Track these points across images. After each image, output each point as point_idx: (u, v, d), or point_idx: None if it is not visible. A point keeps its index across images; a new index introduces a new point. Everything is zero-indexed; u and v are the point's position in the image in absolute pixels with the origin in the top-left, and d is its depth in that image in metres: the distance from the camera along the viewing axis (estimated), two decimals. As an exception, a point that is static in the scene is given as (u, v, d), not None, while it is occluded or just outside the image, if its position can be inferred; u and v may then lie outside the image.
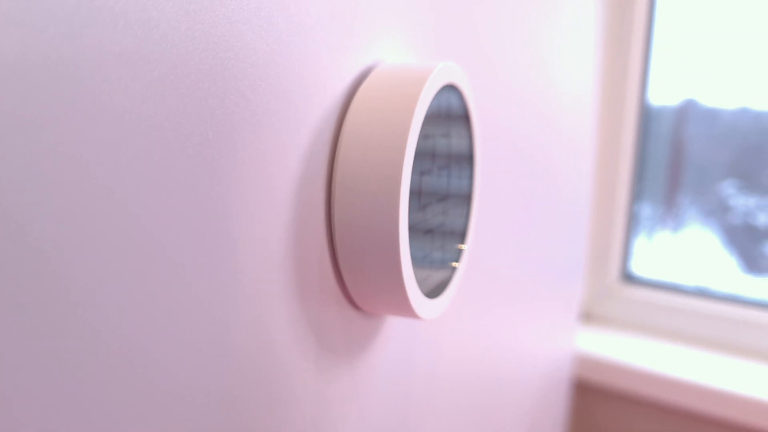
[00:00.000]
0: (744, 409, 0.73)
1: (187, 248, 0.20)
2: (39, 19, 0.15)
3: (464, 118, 0.32)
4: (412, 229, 0.28)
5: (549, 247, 0.63)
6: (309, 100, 0.25)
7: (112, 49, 0.17)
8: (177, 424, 0.21)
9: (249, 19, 0.21)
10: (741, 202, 0.87)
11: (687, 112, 0.90)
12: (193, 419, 0.21)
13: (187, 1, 0.19)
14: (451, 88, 0.30)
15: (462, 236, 0.34)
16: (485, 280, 0.46)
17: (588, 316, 0.94)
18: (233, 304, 0.22)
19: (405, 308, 0.28)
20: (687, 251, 0.91)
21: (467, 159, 0.34)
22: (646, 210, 0.94)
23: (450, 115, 0.30)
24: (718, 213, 0.89)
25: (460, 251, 0.34)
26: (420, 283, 0.29)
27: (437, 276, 0.31)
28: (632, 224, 0.92)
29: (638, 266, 0.93)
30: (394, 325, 0.34)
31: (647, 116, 0.90)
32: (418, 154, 0.27)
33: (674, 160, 0.91)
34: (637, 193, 0.92)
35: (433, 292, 0.31)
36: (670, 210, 0.92)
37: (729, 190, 0.88)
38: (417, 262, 0.28)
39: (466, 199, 0.34)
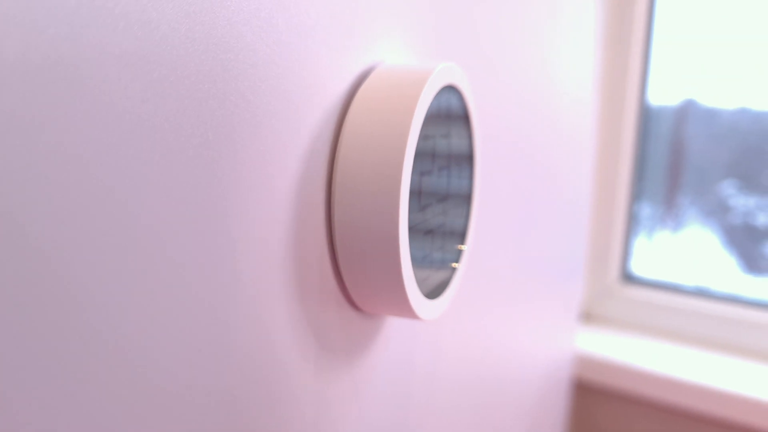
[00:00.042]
0: (744, 409, 0.73)
1: (187, 248, 0.20)
2: (39, 19, 0.15)
3: (464, 118, 0.32)
4: (412, 229, 0.28)
5: (549, 247, 0.63)
6: (309, 101, 0.25)
7: (112, 50, 0.17)
8: (177, 424, 0.21)
9: (249, 21, 0.21)
10: (741, 202, 0.87)
11: (687, 112, 0.90)
12: (193, 419, 0.21)
13: (187, 3, 0.19)
14: (451, 89, 0.30)
15: (462, 237, 0.34)
16: (485, 280, 0.46)
17: (588, 316, 0.94)
18: (233, 304, 0.22)
19: (405, 309, 0.28)
20: (687, 251, 0.91)
21: (467, 159, 0.34)
22: (645, 210, 0.94)
23: (450, 115, 0.31)
24: (717, 213, 0.89)
25: (460, 252, 0.34)
26: (420, 283, 0.29)
27: (437, 276, 0.31)
28: (632, 224, 0.92)
29: (638, 266, 0.93)
30: (394, 325, 0.34)
31: (647, 116, 0.90)
32: (418, 155, 0.27)
33: (674, 160, 0.91)
34: (636, 193, 0.92)
35: (433, 292, 0.31)
36: (669, 210, 0.92)
37: (729, 190, 0.88)
38: (417, 262, 0.28)
39: (466, 199, 0.34)
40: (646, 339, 0.88)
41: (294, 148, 0.25)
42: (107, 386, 0.18)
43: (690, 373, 0.78)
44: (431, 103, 0.28)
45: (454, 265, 0.33)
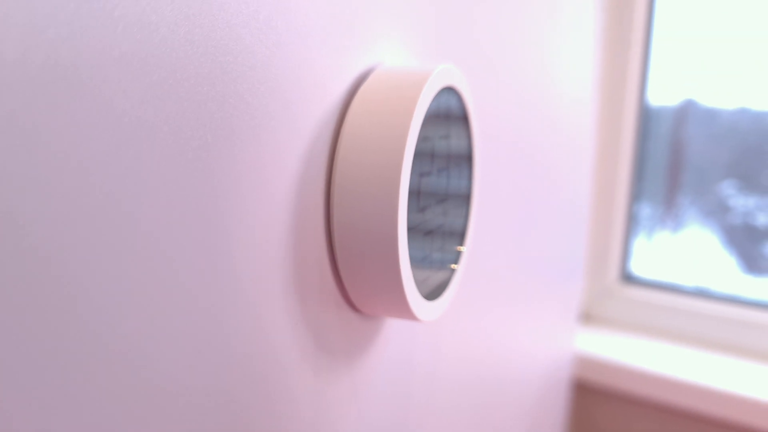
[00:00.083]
0: (744, 409, 0.73)
1: (186, 250, 0.20)
2: (38, 21, 0.15)
3: (463, 120, 0.32)
4: (412, 230, 0.28)
5: (548, 248, 0.63)
6: (308, 103, 0.25)
7: (111, 53, 0.17)
8: (176, 425, 0.21)
9: (248, 23, 0.21)
10: (740, 202, 0.87)
11: (686, 112, 0.90)
12: (192, 420, 0.21)
13: (186, 5, 0.19)
14: (450, 90, 0.30)
15: (461, 237, 0.34)
16: (485, 280, 0.46)
17: (587, 317, 0.94)
18: (232, 306, 0.22)
19: (404, 310, 0.28)
20: (686, 251, 0.91)
21: (466, 160, 0.34)
22: (645, 210, 0.94)
23: (449, 117, 0.31)
24: (717, 213, 0.89)
25: (459, 253, 0.34)
26: (419, 284, 0.29)
27: (437, 277, 0.31)
28: (632, 224, 0.92)
29: (638, 266, 0.93)
30: (393, 326, 0.34)
31: (647, 116, 0.90)
32: (417, 156, 0.27)
33: (674, 161, 0.91)
34: (636, 194, 0.92)
35: (433, 293, 0.31)
36: (669, 210, 0.92)
37: (728, 190, 0.88)
38: (416, 263, 0.28)
39: (466, 200, 0.34)
40: (645, 339, 0.88)
41: (293, 149, 0.25)
42: (107, 387, 0.18)
43: (690, 373, 0.78)
44: (430, 105, 0.28)
45: (453, 266, 0.33)
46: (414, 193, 0.28)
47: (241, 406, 0.24)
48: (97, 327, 0.17)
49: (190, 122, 0.20)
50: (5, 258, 0.15)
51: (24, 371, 0.16)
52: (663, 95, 0.90)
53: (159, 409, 0.20)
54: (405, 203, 0.26)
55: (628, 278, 0.93)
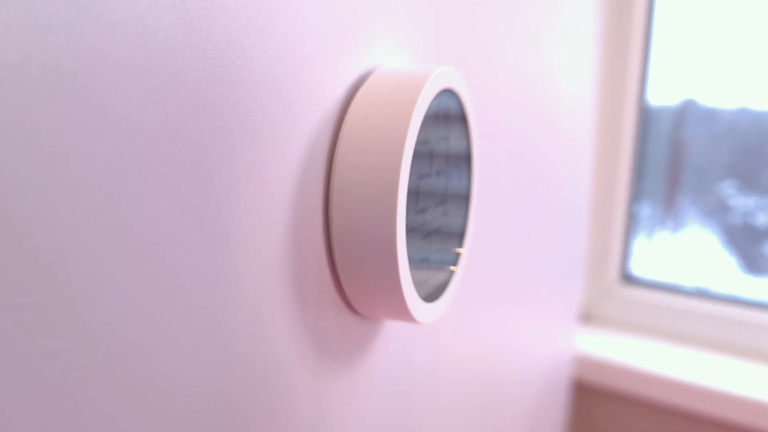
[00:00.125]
0: (743, 409, 0.74)
1: (185, 253, 0.20)
2: (37, 28, 0.15)
3: (462, 121, 0.32)
4: (411, 232, 0.28)
5: (548, 248, 0.63)
6: (307, 106, 0.25)
7: (110, 58, 0.17)
8: (176, 425, 0.21)
9: (246, 27, 0.21)
10: (741, 202, 0.87)
11: (686, 112, 0.90)
12: (191, 422, 0.21)
13: (185, 10, 0.19)
14: (448, 92, 0.30)
15: (460, 239, 0.34)
16: (485, 281, 0.47)
17: (587, 317, 0.94)
18: (231, 308, 0.22)
19: (402, 313, 0.28)
20: (686, 252, 0.91)
21: (465, 162, 0.34)
22: (645, 210, 0.94)
23: (448, 119, 0.31)
24: (717, 213, 0.89)
25: (458, 254, 0.34)
26: (418, 286, 0.29)
27: (436, 279, 0.31)
28: (632, 224, 0.92)
29: (638, 267, 0.93)
30: (392, 327, 0.34)
31: (646, 116, 0.90)
32: (416, 158, 0.27)
33: (674, 161, 0.91)
34: (636, 194, 0.92)
35: (432, 295, 0.31)
36: (669, 210, 0.92)
37: (728, 190, 0.88)
38: (415, 265, 0.28)
39: (465, 202, 0.34)
40: (645, 339, 0.88)
41: (292, 152, 0.25)
42: (107, 387, 0.18)
43: (689, 373, 0.78)
44: (429, 107, 0.28)
45: (452, 268, 0.33)
46: (413, 195, 0.28)
47: (241, 406, 0.24)
48: (97, 327, 0.17)
49: (189, 126, 0.20)
50: (5, 259, 0.15)
51: (24, 372, 0.16)
52: (663, 95, 0.89)
53: (159, 409, 0.20)
54: (404, 205, 0.26)
55: (628, 278, 0.93)
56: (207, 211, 0.21)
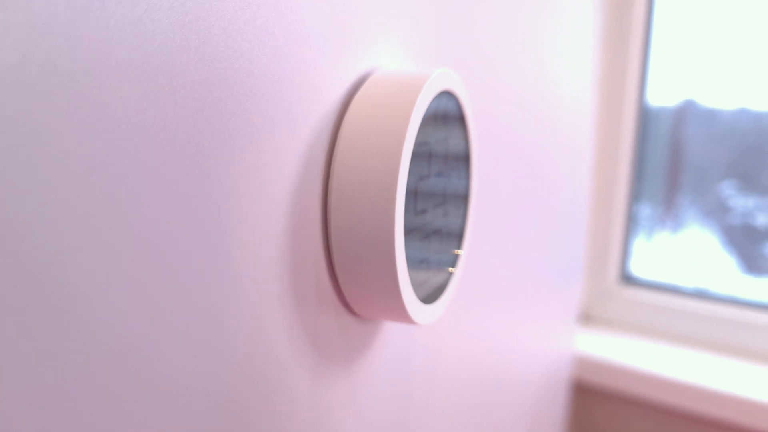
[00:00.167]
0: (742, 410, 0.74)
1: (184, 255, 0.20)
2: (37, 29, 0.15)
3: (461, 123, 0.33)
4: (409, 234, 0.28)
5: (548, 248, 0.64)
6: (305, 108, 0.25)
7: (108, 61, 0.17)
8: (175, 426, 0.21)
9: (244, 29, 0.21)
10: (740, 202, 0.87)
11: (686, 112, 0.90)
12: (190, 423, 0.21)
13: (183, 13, 0.19)
14: (447, 94, 0.30)
15: (459, 240, 0.34)
16: (484, 281, 0.47)
17: (587, 318, 0.94)
18: (231, 308, 0.23)
19: (401, 314, 0.28)
20: (686, 252, 0.91)
21: (464, 164, 0.34)
22: (645, 211, 0.94)
23: (446, 121, 0.31)
24: (717, 214, 0.89)
25: (457, 256, 0.34)
26: (417, 287, 0.29)
27: (435, 280, 0.31)
28: (631, 225, 0.92)
29: (637, 267, 0.93)
30: (391, 329, 0.34)
31: (646, 117, 0.90)
32: (415, 160, 0.28)
33: (673, 161, 0.91)
34: (636, 194, 0.92)
35: (431, 296, 0.31)
36: (669, 211, 0.93)
37: (728, 190, 0.88)
38: (414, 266, 0.28)
39: (464, 203, 0.34)
40: (645, 340, 0.88)
41: (290, 154, 0.25)
42: (107, 387, 0.18)
43: (689, 374, 0.78)
44: (427, 109, 0.28)
45: (451, 269, 0.33)
46: (412, 196, 0.28)
47: (241, 406, 0.24)
48: (97, 327, 0.17)
49: (187, 128, 0.20)
50: (5, 259, 0.15)
51: (24, 372, 0.16)
52: (662, 95, 0.90)
53: (158, 409, 0.20)
54: (402, 206, 0.26)
55: (627, 279, 0.93)
56: (206, 211, 0.21)
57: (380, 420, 0.34)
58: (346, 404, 0.31)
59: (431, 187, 0.30)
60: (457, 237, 0.34)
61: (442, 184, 0.31)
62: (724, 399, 0.74)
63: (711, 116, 0.89)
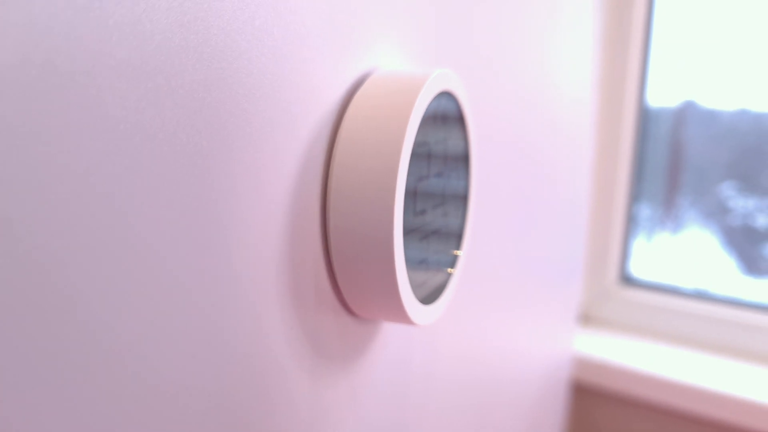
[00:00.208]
0: (742, 411, 0.74)
1: (183, 255, 0.20)
2: (36, 29, 0.15)
3: (460, 124, 0.33)
4: (408, 234, 0.28)
5: (548, 249, 0.64)
6: (304, 108, 0.25)
7: (107, 61, 0.17)
8: (174, 426, 0.21)
9: (243, 29, 0.22)
10: (740, 203, 0.87)
11: (686, 113, 0.90)
12: (190, 422, 0.21)
13: (181, 13, 0.19)
14: (447, 95, 0.30)
15: (459, 240, 0.34)
16: (484, 282, 0.47)
17: (586, 318, 0.94)
18: (230, 309, 0.23)
19: (400, 315, 0.28)
20: (686, 253, 0.91)
21: (463, 164, 0.34)
22: (645, 211, 0.94)
23: (446, 121, 0.31)
24: (717, 214, 0.89)
25: (456, 256, 0.34)
26: (416, 288, 0.29)
27: (434, 280, 0.31)
28: (631, 226, 0.92)
29: (637, 268, 0.93)
30: (390, 329, 0.34)
31: (646, 118, 0.90)
32: (414, 160, 0.28)
33: (673, 162, 0.91)
34: (636, 195, 0.92)
35: (430, 297, 0.31)
36: (669, 211, 0.93)
37: (728, 191, 0.88)
38: (413, 267, 0.28)
39: (463, 204, 0.34)
40: (644, 341, 0.88)
41: (289, 154, 0.25)
42: (106, 388, 0.18)
43: (688, 375, 0.78)
44: (427, 109, 0.28)
45: (450, 270, 0.33)
46: (411, 197, 0.28)
47: (240, 406, 0.24)
48: (97, 328, 0.17)
49: (186, 128, 0.20)
50: (4, 259, 0.15)
51: (23, 372, 0.16)
52: (662, 96, 0.90)
53: (158, 409, 0.20)
54: (401, 207, 0.26)
55: (627, 280, 0.93)
56: (205, 212, 0.21)
57: (379, 420, 0.34)
58: (345, 404, 0.31)
59: (430, 188, 0.30)
60: (457, 237, 0.34)
61: (441, 184, 0.31)
62: (723, 400, 0.74)
63: (711, 117, 0.89)
